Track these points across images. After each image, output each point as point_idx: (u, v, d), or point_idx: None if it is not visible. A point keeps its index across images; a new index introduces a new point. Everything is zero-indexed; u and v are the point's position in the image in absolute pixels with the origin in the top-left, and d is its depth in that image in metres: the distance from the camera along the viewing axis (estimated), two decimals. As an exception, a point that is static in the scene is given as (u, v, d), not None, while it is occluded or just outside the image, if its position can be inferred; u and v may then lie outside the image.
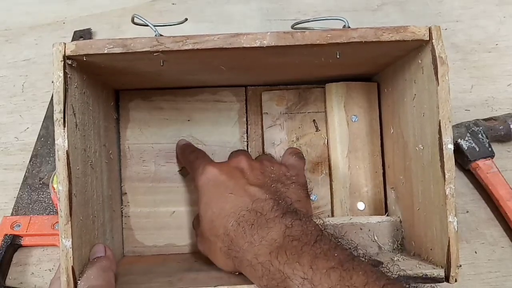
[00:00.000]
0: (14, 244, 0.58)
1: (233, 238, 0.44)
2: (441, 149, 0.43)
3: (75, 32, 0.75)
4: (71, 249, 0.41)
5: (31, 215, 0.60)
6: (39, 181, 0.63)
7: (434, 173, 0.45)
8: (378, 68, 0.55)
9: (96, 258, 0.46)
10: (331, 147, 0.58)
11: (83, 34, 0.75)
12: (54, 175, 0.58)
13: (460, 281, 0.55)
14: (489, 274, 0.57)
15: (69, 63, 0.43)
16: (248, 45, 0.42)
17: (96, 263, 0.45)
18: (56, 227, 0.59)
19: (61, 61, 0.42)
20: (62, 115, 0.42)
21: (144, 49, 0.42)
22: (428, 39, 0.43)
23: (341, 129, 0.57)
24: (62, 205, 0.41)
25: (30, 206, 0.61)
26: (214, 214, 0.47)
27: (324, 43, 0.42)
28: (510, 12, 0.77)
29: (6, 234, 0.58)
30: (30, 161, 0.64)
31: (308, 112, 0.59)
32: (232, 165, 0.51)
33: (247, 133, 0.59)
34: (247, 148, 0.59)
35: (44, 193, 0.62)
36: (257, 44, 0.42)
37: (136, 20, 0.47)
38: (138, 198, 0.58)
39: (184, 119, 0.59)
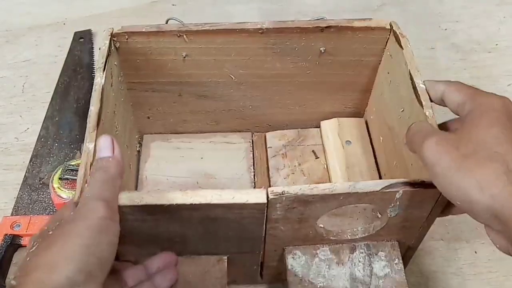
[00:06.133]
0: (14, 244, 0.58)
1: None
2: (414, 87, 0.46)
3: (75, 33, 0.75)
4: (92, 151, 0.42)
5: (31, 215, 0.60)
6: (39, 181, 0.63)
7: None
8: (362, 99, 0.62)
9: (101, 160, 0.39)
10: (331, 168, 0.61)
11: (83, 35, 0.75)
12: (54, 175, 0.58)
13: (460, 281, 0.56)
14: (489, 274, 0.57)
15: (114, 39, 0.51)
16: (252, 28, 0.52)
17: (100, 170, 0.39)
18: (56, 227, 0.59)
19: (109, 36, 0.50)
20: (104, 60, 0.48)
21: (172, 29, 0.51)
22: (389, 28, 0.52)
23: (338, 152, 0.62)
24: (91, 118, 0.44)
25: (30, 206, 0.61)
26: None
27: (310, 26, 0.52)
28: (510, 12, 0.77)
29: (6, 234, 0.58)
30: (30, 161, 0.65)
31: (307, 145, 0.64)
32: None
33: (253, 164, 0.63)
34: (254, 178, 0.61)
35: (44, 193, 0.62)
36: (258, 26, 0.52)
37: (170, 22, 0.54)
38: None
39: (198, 156, 0.63)
